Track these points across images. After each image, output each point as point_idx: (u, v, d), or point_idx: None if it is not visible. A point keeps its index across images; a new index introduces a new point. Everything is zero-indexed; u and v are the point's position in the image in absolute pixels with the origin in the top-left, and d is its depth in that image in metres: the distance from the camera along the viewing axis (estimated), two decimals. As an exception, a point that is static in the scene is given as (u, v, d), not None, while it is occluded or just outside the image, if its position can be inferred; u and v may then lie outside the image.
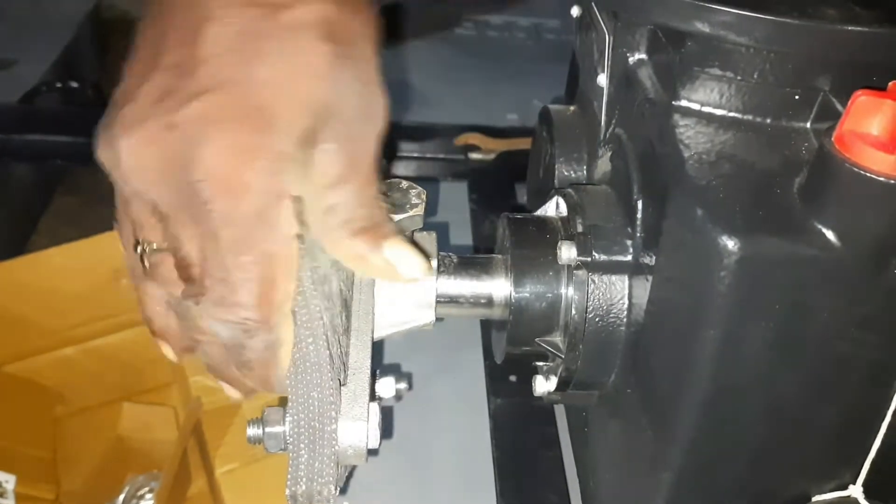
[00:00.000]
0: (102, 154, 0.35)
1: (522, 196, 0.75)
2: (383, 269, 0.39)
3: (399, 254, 0.39)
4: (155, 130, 0.33)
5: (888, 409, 0.37)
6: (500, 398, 0.65)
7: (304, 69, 0.33)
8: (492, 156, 0.93)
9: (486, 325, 0.72)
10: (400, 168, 0.90)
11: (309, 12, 0.33)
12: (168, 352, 0.41)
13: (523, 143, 0.92)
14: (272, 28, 0.33)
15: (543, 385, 0.46)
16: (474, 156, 0.93)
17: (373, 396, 0.39)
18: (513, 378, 0.66)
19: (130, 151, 0.34)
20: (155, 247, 0.37)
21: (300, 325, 0.37)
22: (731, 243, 0.33)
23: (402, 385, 0.43)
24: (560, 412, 0.63)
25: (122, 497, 0.80)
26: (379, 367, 0.44)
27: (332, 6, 0.34)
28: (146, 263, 0.38)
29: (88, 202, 1.18)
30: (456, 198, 0.86)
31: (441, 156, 0.93)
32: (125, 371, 0.92)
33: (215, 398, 0.86)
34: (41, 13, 1.22)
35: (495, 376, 0.67)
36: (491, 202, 0.83)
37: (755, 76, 0.38)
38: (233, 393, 0.41)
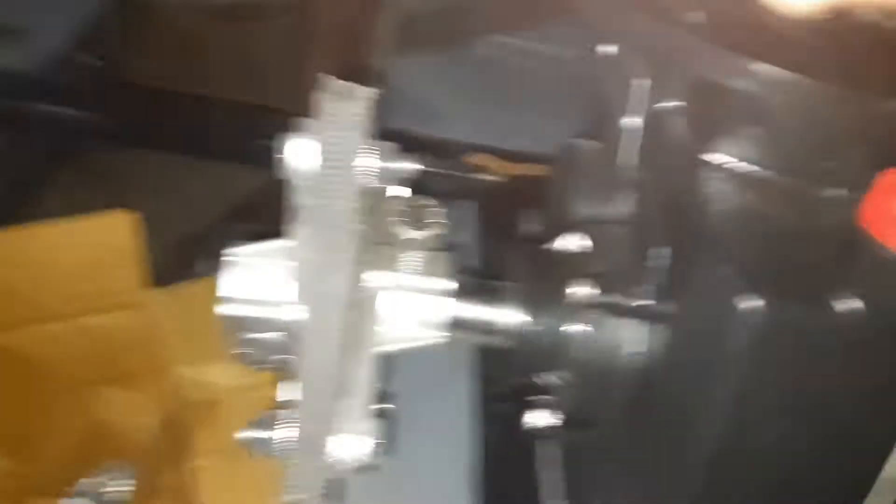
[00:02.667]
0: None
1: (532, 222, 0.75)
2: None
3: None
4: None
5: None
6: (490, 425, 0.65)
7: None
8: (504, 179, 0.93)
9: (479, 350, 0.72)
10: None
11: None
12: None
13: (536, 169, 0.92)
14: None
15: (542, 419, 0.46)
16: (486, 177, 0.93)
17: (374, 411, 0.39)
18: (505, 405, 0.66)
19: None
20: None
21: (323, 334, 0.37)
22: (753, 304, 0.33)
23: (391, 405, 0.43)
24: (551, 445, 0.63)
25: (93, 481, 0.79)
26: (380, 381, 0.44)
27: None
28: None
29: (89, 182, 1.17)
30: (464, 217, 0.86)
31: (452, 173, 0.93)
32: (110, 352, 0.92)
33: (197, 390, 0.85)
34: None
35: (487, 402, 0.67)
36: (500, 225, 0.83)
37: (788, 137, 0.38)
38: None
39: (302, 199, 0.37)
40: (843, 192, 0.38)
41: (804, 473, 0.37)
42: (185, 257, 1.09)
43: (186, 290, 0.90)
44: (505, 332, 0.44)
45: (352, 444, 0.37)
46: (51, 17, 1.13)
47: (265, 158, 0.41)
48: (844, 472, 0.37)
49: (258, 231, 0.43)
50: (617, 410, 0.42)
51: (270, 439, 0.38)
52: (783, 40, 0.40)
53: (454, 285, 0.43)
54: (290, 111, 0.39)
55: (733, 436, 0.35)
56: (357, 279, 0.40)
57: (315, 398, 0.37)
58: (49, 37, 1.09)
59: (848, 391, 0.34)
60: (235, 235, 0.43)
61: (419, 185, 0.56)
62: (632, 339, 0.41)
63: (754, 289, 0.33)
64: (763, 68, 0.36)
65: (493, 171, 0.94)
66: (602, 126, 0.53)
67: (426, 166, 0.54)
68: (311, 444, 0.36)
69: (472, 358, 0.72)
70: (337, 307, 0.37)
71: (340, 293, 0.37)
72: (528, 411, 0.47)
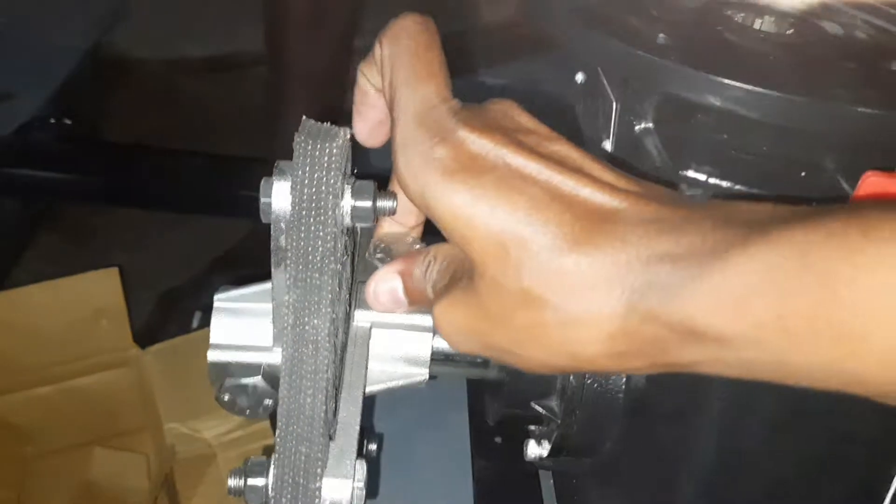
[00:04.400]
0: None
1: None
2: None
3: None
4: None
5: (889, 490, 0.36)
6: (484, 459, 0.64)
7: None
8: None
9: (472, 383, 0.71)
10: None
11: None
12: None
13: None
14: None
15: (536, 450, 0.45)
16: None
17: (360, 454, 0.38)
18: (498, 439, 0.65)
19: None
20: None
21: (303, 376, 0.36)
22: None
23: (373, 446, 0.42)
24: (546, 476, 0.62)
25: (86, 545, 0.77)
26: (366, 422, 0.43)
27: None
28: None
29: (72, 241, 1.17)
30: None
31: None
32: (99, 413, 0.91)
33: (189, 447, 0.84)
34: (40, 48, 1.22)
35: (480, 437, 0.66)
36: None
37: (763, 151, 0.38)
38: None
39: (281, 240, 0.37)
40: (821, 198, 0.38)
41: (798, 486, 0.37)
42: (170, 312, 1.08)
43: (173, 345, 0.89)
44: (492, 364, 0.44)
45: (337, 488, 0.36)
46: (29, 82, 1.14)
47: (245, 207, 0.41)
48: (841, 481, 0.37)
49: (246, 276, 0.43)
50: (609, 438, 0.42)
51: (265, 487, 0.37)
52: (749, 57, 0.41)
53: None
54: (267, 159, 0.39)
55: (727, 451, 0.35)
56: (340, 320, 0.39)
57: (296, 443, 0.36)
58: (27, 101, 1.09)
59: (837, 397, 0.34)
60: (223, 282, 0.43)
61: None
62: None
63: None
64: (731, 84, 0.36)
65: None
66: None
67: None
68: (294, 491, 0.35)
69: (464, 391, 0.72)
70: (317, 349, 0.37)
71: (321, 335, 0.37)
72: (520, 442, 0.46)
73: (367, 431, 0.41)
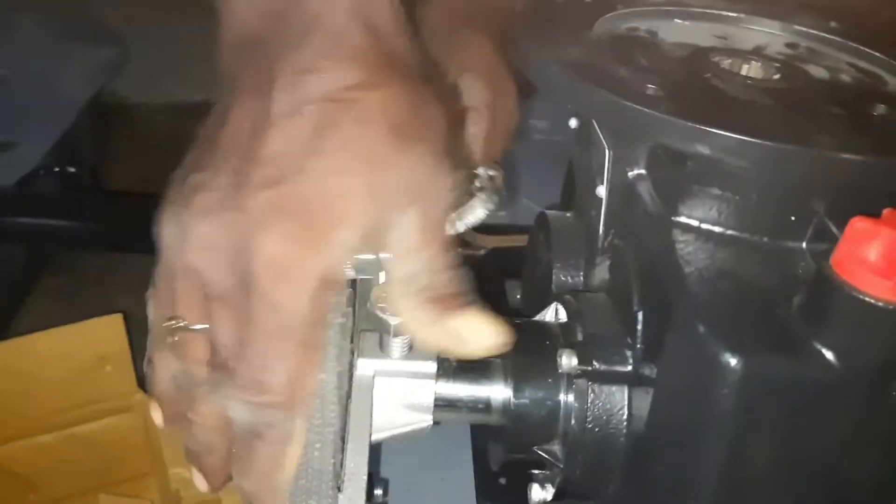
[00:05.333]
0: (167, 229, 0.37)
1: (512, 293, 0.75)
2: (452, 339, 0.40)
3: (472, 325, 0.40)
4: (225, 216, 0.35)
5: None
6: (489, 501, 0.64)
7: (370, 160, 0.35)
8: (481, 251, 0.94)
9: (476, 427, 0.71)
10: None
11: (378, 103, 0.35)
12: (157, 417, 0.42)
13: (514, 241, 0.93)
14: (343, 122, 0.35)
15: (540, 494, 0.45)
16: (464, 251, 0.94)
17: (369, 502, 0.39)
18: (502, 480, 0.65)
19: (199, 232, 0.36)
20: (185, 324, 0.38)
21: (311, 430, 0.37)
22: (733, 361, 0.33)
23: (379, 491, 0.43)
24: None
25: None
26: (373, 469, 0.44)
27: (404, 96, 0.36)
28: (173, 337, 0.39)
29: (75, 285, 1.18)
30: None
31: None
32: (103, 460, 0.91)
33: (194, 491, 0.84)
34: (43, 98, 1.24)
35: (484, 478, 0.66)
36: (483, 299, 0.83)
37: (752, 196, 0.39)
38: (202, 485, 0.41)
39: None
40: (812, 243, 0.39)
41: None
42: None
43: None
44: (493, 409, 0.44)
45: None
46: (32, 132, 1.15)
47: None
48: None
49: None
50: (612, 480, 0.42)
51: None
52: (736, 105, 0.42)
53: (435, 366, 0.43)
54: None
55: (728, 494, 0.35)
56: (346, 371, 0.40)
57: (306, 497, 0.37)
58: (30, 150, 1.10)
59: (836, 440, 0.34)
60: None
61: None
62: (620, 405, 0.41)
63: (735, 346, 0.34)
64: (718, 134, 0.37)
65: (474, 246, 0.95)
66: (574, 196, 0.54)
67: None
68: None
69: (467, 434, 0.72)
70: (324, 403, 0.37)
71: (328, 389, 0.38)
72: (524, 484, 0.46)
73: (374, 476, 0.42)
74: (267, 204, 0.34)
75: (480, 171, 0.50)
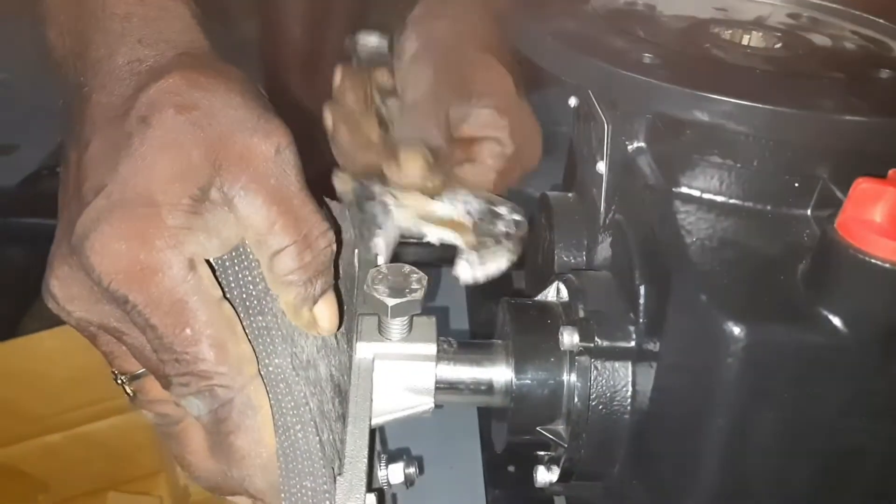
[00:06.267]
0: (49, 304, 0.38)
1: (519, 281, 0.75)
2: (309, 323, 0.40)
3: (322, 310, 0.40)
4: (65, 254, 0.36)
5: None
6: (497, 489, 0.63)
7: (165, 143, 0.35)
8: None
9: (484, 413, 0.71)
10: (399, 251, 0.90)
11: (155, 96, 0.36)
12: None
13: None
14: (131, 123, 0.36)
15: (545, 475, 0.45)
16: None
17: (370, 487, 0.38)
18: (511, 468, 0.65)
19: (59, 287, 0.37)
20: (126, 376, 0.40)
21: (286, 413, 0.36)
22: (736, 330, 0.32)
23: (412, 470, 0.42)
24: (560, 502, 0.61)
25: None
26: (386, 453, 0.43)
27: (179, 80, 0.36)
28: (130, 392, 0.41)
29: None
30: (453, 283, 0.85)
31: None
32: (112, 459, 0.90)
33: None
34: (45, 101, 1.24)
35: (493, 466, 0.65)
36: (487, 287, 0.83)
37: (754, 163, 0.38)
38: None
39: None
40: (818, 210, 0.38)
41: (806, 501, 0.36)
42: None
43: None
44: (496, 390, 0.43)
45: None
46: (35, 132, 1.15)
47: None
48: (850, 495, 0.36)
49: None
50: (617, 460, 0.42)
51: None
52: (736, 72, 0.41)
53: (435, 349, 0.43)
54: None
55: (733, 466, 0.34)
56: (318, 351, 0.40)
57: (300, 479, 0.36)
58: (32, 151, 1.10)
59: (842, 408, 0.34)
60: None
61: (403, 252, 0.56)
62: (624, 381, 0.40)
63: (738, 315, 0.33)
64: (717, 99, 0.36)
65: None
66: (574, 175, 0.54)
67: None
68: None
69: (475, 421, 0.71)
70: (288, 386, 0.37)
71: (286, 372, 0.37)
72: (531, 468, 0.46)
73: (405, 454, 0.42)
74: (90, 221, 0.34)
75: (504, 211, 0.49)
